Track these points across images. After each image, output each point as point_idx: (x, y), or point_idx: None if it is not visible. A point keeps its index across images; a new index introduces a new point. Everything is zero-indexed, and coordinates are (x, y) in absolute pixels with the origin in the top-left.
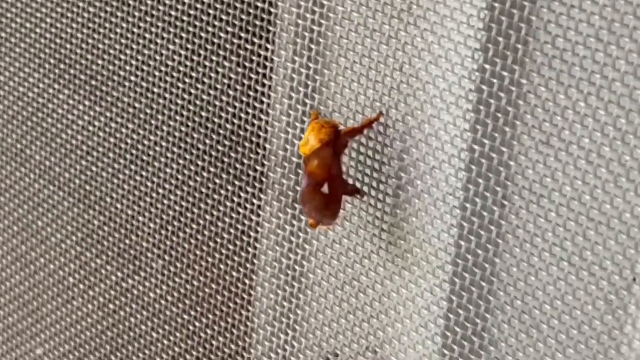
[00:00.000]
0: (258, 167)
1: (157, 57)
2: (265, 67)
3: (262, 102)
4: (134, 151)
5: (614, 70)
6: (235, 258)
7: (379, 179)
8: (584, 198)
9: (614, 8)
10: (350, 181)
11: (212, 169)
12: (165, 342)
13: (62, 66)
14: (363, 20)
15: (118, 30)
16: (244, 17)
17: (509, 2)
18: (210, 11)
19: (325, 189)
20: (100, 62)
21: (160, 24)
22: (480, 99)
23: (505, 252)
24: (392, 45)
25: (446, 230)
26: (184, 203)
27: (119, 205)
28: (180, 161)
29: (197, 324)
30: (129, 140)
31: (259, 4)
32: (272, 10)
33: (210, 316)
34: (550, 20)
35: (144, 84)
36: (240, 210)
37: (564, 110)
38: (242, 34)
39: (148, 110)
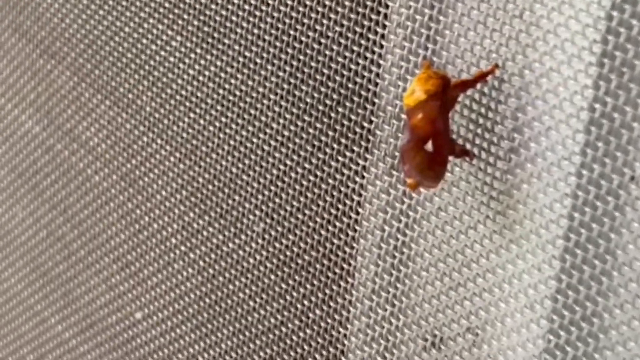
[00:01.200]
0: (365, 124)
1: (269, 2)
2: (378, 12)
3: (373, 52)
4: (241, 104)
5: None
6: (337, 224)
7: (491, 140)
8: None
9: None
10: (460, 141)
11: (318, 125)
12: (262, 311)
13: (176, 11)
14: None
15: None
16: None
17: None
18: None
19: (429, 146)
20: (213, 6)
21: None
22: (605, 51)
23: (622, 227)
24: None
25: (559, 199)
26: (287, 162)
27: (224, 163)
28: (287, 115)
29: (294, 294)
30: (237, 92)
31: None
32: None
33: (309, 286)
34: None
35: (255, 31)
36: (345, 171)
37: None
38: None
39: (258, 60)
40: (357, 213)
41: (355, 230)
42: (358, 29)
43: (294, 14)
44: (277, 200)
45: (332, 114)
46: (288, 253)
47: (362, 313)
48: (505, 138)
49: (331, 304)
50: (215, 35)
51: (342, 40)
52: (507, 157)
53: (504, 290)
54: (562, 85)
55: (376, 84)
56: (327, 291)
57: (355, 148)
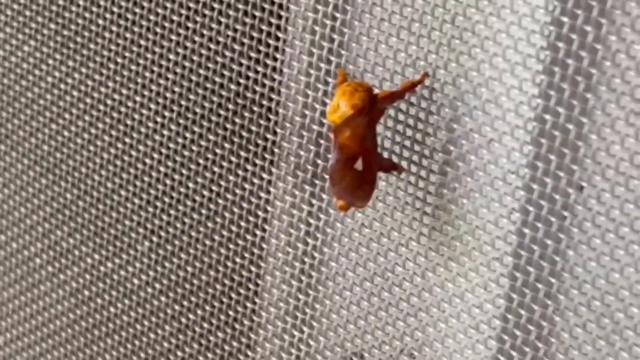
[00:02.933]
0: (269, 136)
1: (143, 4)
2: (280, 16)
3: (275, 59)
4: (115, 114)
5: None
6: (240, 242)
7: (422, 153)
8: None
9: None
10: (386, 155)
11: (211, 137)
12: (152, 335)
13: (27, 13)
14: None
15: None
16: None
17: None
18: None
19: (358, 164)
20: (73, 8)
21: None
22: (555, 59)
23: (581, 244)
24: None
25: (506, 215)
26: (176, 176)
27: (96, 177)
28: (173, 126)
29: (191, 316)
30: (109, 101)
31: None
32: None
33: (208, 308)
34: None
35: (127, 35)
36: (247, 185)
37: None
38: None
39: (133, 67)
40: (264, 230)
41: (262, 249)
42: (255, 34)
43: (175, 18)
44: (164, 217)
45: (229, 125)
46: (181, 273)
47: (273, 335)
48: (440, 151)
49: (236, 325)
50: (79, 39)
51: (236, 46)
52: (443, 170)
53: (444, 310)
54: (505, 95)
55: (279, 93)
56: (231, 312)
57: (258, 161)
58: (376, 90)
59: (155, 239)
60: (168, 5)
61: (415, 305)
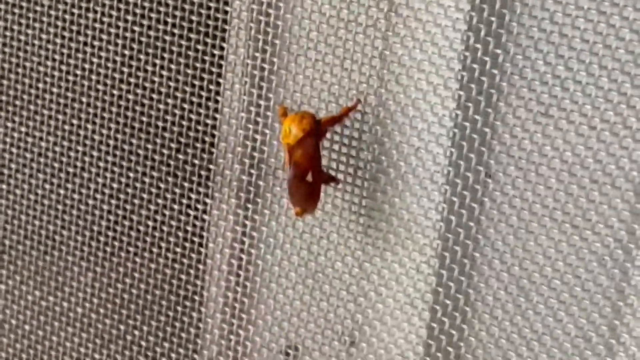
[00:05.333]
0: (211, 166)
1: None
2: (220, 66)
3: (216, 101)
4: (56, 164)
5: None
6: (184, 260)
7: (356, 165)
8: (574, 168)
9: None
10: (324, 169)
11: (155, 174)
12: (97, 355)
13: None
14: (335, 11)
15: (51, 29)
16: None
17: None
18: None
19: (309, 178)
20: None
21: (96, 24)
22: (471, 77)
23: (500, 222)
24: (371, 34)
25: (434, 207)
26: (119, 211)
27: (44, 217)
28: (116, 169)
29: (136, 332)
30: (55, 149)
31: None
32: None
33: (154, 323)
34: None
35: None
36: (190, 211)
37: (551, 88)
38: (190, 23)
39: (75, 121)
40: (205, 247)
41: (204, 264)
42: (197, 82)
43: (116, 75)
44: (107, 249)
45: (172, 161)
46: (126, 295)
47: (219, 338)
48: (372, 162)
49: (183, 334)
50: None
51: (179, 94)
52: (375, 177)
53: (381, 293)
54: (429, 111)
55: (213, 127)
56: (177, 324)
57: (201, 189)
58: (319, 117)
59: (99, 269)
60: (118, 59)
61: (354, 292)
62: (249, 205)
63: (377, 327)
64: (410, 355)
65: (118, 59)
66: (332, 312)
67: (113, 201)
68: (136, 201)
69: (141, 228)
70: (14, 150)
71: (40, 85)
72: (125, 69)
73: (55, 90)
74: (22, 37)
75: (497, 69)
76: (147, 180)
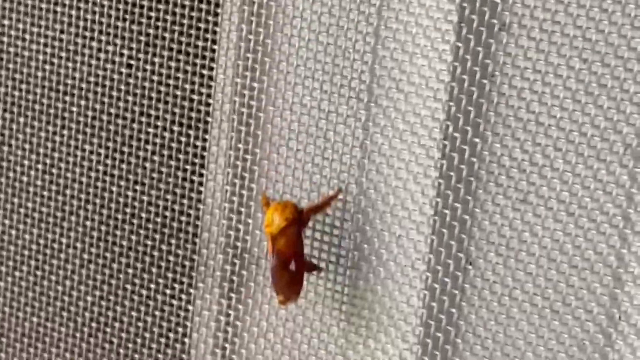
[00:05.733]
0: (195, 256)
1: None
2: (202, 157)
3: (199, 192)
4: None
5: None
6: (169, 351)
7: (338, 254)
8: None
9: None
10: (306, 258)
11: (138, 265)
12: None
13: None
14: (316, 102)
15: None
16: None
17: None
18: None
19: (292, 266)
20: None
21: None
22: (450, 165)
23: (471, 314)
24: (351, 124)
25: (416, 294)
26: (103, 302)
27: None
28: (99, 261)
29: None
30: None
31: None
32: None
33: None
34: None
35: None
36: (175, 301)
37: (529, 175)
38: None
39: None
40: (190, 338)
41: (188, 353)
42: (180, 174)
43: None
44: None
45: (155, 252)
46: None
47: None
48: (355, 249)
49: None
50: None
51: (162, 185)
52: (357, 265)
53: None
54: (410, 199)
55: (197, 218)
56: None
57: (185, 279)
58: (301, 206)
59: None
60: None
61: None
62: (232, 295)
63: None
64: None
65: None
66: None
67: (97, 292)
68: (120, 292)
69: (125, 319)
70: None
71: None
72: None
73: None
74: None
75: (475, 158)
76: (130, 271)
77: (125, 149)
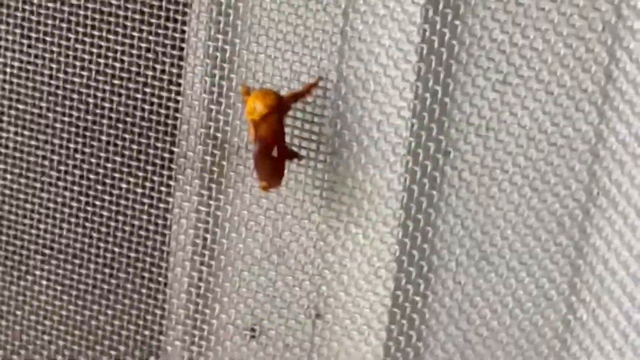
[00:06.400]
0: (174, 148)
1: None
2: (181, 48)
3: (178, 84)
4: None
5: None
6: (148, 243)
7: (319, 141)
8: (532, 133)
9: None
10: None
11: (117, 158)
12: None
13: None
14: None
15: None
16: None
17: None
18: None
19: (274, 152)
20: None
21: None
22: (431, 49)
23: (451, 195)
24: (331, 10)
25: (397, 178)
26: (82, 198)
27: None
28: (77, 156)
29: (101, 317)
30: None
31: None
32: None
33: (119, 306)
34: None
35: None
36: (154, 193)
37: (509, 57)
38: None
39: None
40: (169, 228)
41: (168, 245)
42: (159, 66)
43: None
44: (71, 235)
45: (135, 145)
46: (89, 281)
47: (184, 318)
48: (335, 137)
49: (147, 317)
50: None
51: (140, 79)
52: (338, 152)
53: (346, 265)
54: (390, 85)
55: (176, 111)
56: (142, 305)
57: (164, 172)
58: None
59: (61, 256)
60: (79, 46)
61: (319, 266)
62: (213, 185)
63: (342, 299)
64: (376, 325)
65: (79, 46)
66: (298, 287)
67: (76, 187)
68: (99, 187)
69: (104, 213)
70: None
71: None
72: (86, 56)
73: None
74: None
75: (456, 40)
76: (109, 165)
77: (102, 43)
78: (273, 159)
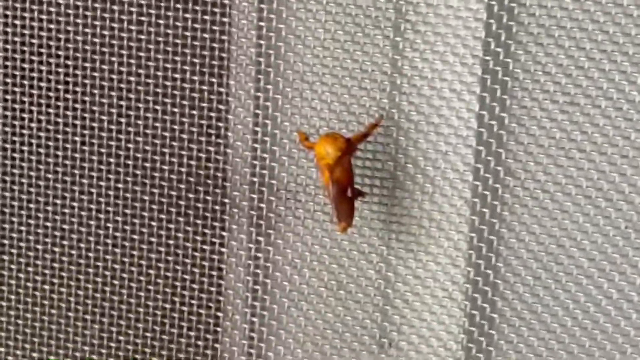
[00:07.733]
0: (225, 200)
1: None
2: (226, 101)
3: (226, 137)
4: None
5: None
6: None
7: (382, 177)
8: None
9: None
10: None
11: (173, 209)
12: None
13: None
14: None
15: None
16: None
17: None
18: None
19: (348, 193)
20: None
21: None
22: (494, 79)
23: (524, 214)
24: (388, 50)
25: (465, 204)
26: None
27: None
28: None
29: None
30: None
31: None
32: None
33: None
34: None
35: None
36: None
37: (563, 87)
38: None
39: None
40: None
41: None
42: (204, 121)
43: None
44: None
45: (190, 194)
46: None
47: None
48: (398, 171)
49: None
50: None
51: (185, 135)
52: (403, 185)
53: (418, 292)
54: (454, 116)
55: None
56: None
57: (216, 223)
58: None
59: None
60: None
61: (390, 295)
62: (271, 232)
63: (416, 325)
64: (453, 346)
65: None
66: (368, 319)
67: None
68: (153, 239)
69: (160, 264)
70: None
71: None
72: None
73: None
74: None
75: (519, 68)
76: (163, 219)
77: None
78: (349, 199)
